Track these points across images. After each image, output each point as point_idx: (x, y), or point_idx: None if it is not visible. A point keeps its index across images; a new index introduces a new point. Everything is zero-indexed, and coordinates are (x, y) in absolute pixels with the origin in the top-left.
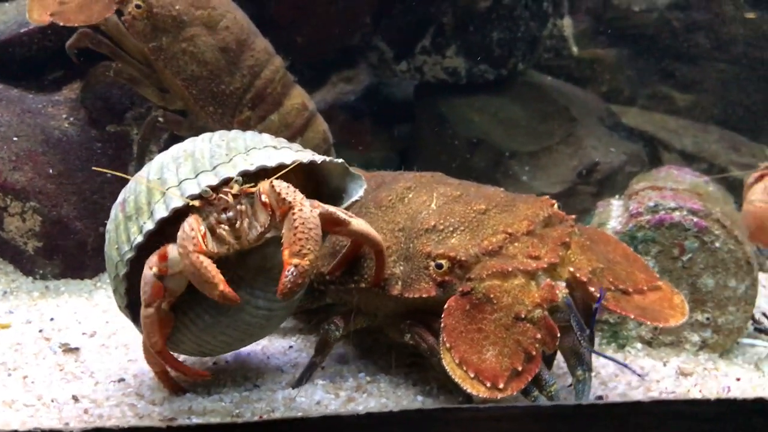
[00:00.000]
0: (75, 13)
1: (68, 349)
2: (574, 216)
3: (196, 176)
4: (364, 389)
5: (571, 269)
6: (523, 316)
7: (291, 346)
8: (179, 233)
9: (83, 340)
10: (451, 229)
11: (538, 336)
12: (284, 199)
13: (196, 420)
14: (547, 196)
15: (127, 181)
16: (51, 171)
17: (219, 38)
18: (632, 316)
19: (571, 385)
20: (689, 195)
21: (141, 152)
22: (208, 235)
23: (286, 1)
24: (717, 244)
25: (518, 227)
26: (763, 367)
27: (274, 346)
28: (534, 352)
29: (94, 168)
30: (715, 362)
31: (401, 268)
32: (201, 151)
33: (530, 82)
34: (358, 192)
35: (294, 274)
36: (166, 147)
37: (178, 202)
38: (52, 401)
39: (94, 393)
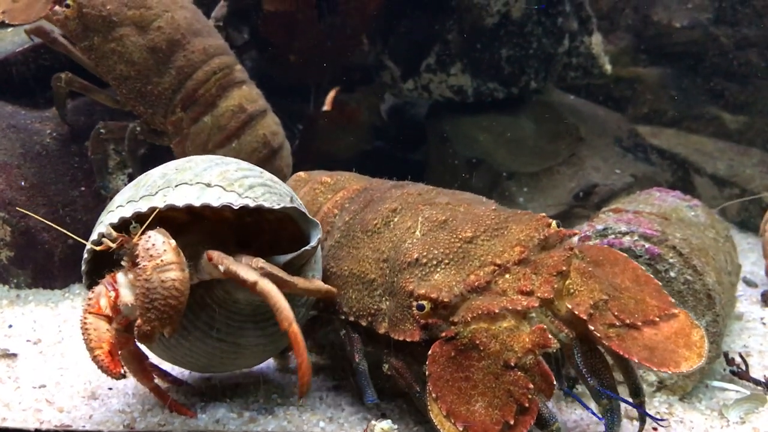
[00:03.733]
0: (19, 12)
1: (5, 355)
2: (576, 231)
3: (126, 204)
4: (270, 411)
5: (569, 306)
6: (512, 363)
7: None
8: None
9: (25, 346)
10: (434, 262)
11: (530, 386)
12: (137, 262)
13: (87, 427)
14: (543, 214)
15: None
16: (23, 183)
17: (149, 38)
18: (637, 360)
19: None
20: (650, 219)
21: (98, 167)
22: (126, 286)
23: (271, 19)
24: (672, 274)
25: (509, 256)
26: (729, 414)
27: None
28: (527, 404)
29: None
30: (672, 406)
31: (387, 303)
32: (149, 177)
33: (545, 101)
34: (311, 241)
35: (138, 333)
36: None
37: (101, 229)
38: None
39: (9, 397)
